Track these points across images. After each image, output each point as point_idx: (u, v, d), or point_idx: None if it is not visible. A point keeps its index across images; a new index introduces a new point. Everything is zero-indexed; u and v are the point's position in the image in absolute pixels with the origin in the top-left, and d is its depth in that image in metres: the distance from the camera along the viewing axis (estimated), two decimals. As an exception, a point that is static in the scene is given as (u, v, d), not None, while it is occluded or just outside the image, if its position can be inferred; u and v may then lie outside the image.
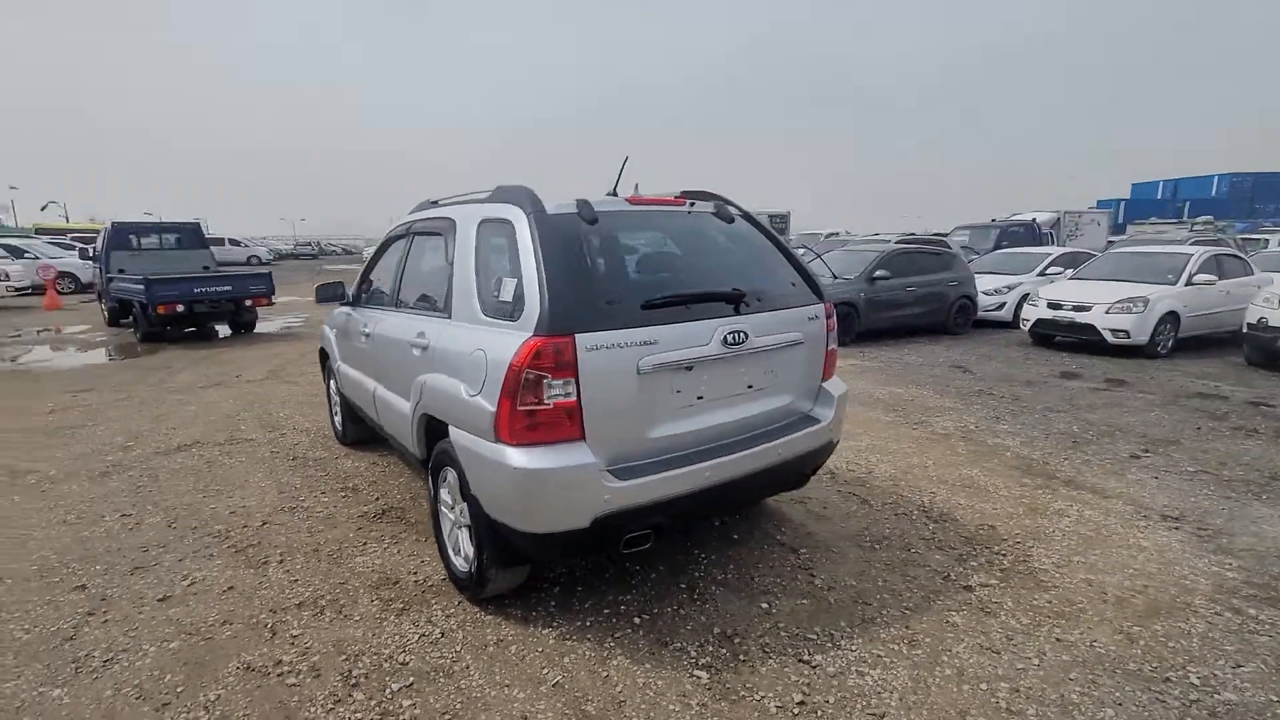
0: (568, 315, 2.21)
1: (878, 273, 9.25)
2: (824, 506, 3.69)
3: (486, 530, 2.42)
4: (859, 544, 3.23)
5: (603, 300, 2.34)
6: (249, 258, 31.57)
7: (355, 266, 29.21)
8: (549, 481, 2.17)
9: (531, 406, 2.17)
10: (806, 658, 2.35)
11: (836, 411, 3.00)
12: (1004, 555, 3.12)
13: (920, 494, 3.86)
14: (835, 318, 3.11)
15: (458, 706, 2.12)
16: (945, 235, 16.40)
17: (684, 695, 2.16)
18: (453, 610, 2.67)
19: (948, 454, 4.61)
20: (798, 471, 2.94)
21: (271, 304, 10.53)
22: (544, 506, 2.22)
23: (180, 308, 9.39)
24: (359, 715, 2.08)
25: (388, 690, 2.20)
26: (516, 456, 2.18)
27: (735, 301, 2.63)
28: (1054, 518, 3.54)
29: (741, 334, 2.58)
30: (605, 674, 2.28)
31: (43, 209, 46.20)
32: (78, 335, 10.88)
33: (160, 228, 11.39)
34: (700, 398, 2.55)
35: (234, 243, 32.20)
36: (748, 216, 3.11)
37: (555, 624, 2.57)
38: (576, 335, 2.20)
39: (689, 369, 2.47)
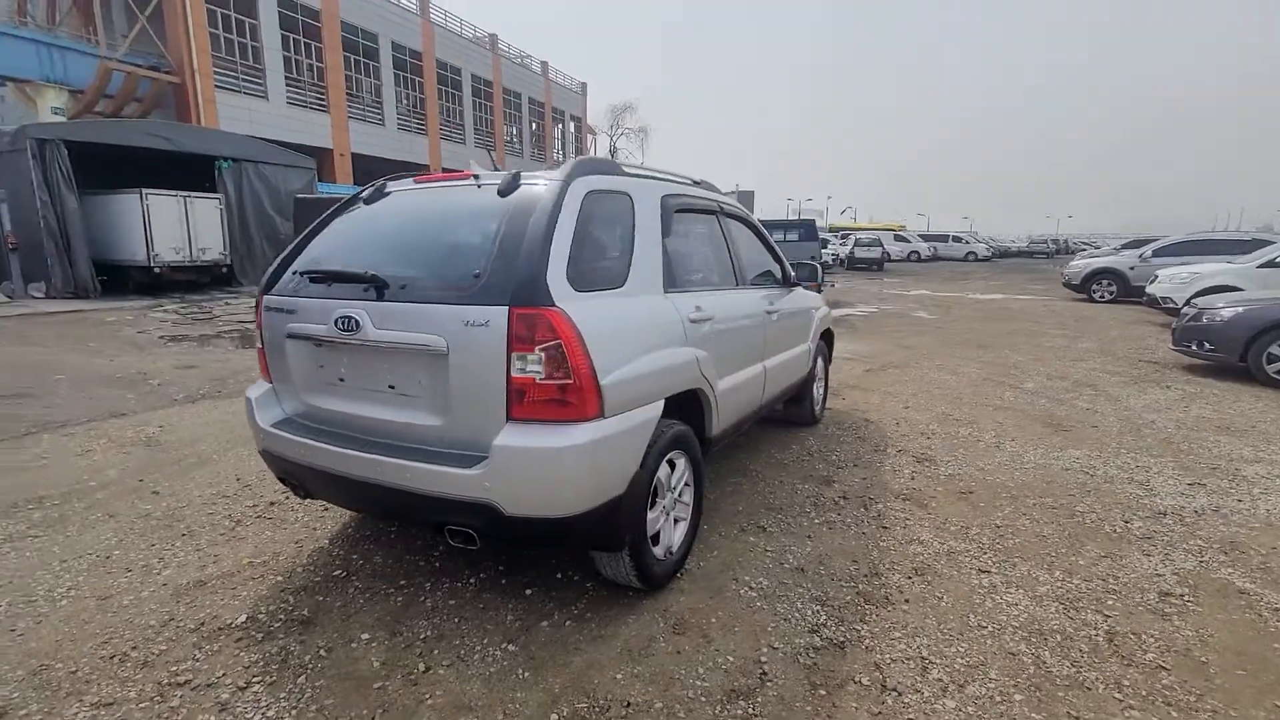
0: (268, 278, 2.68)
1: None
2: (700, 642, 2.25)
3: None
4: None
5: (293, 269, 2.63)
6: (966, 254, 32.62)
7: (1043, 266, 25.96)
8: (246, 409, 2.77)
9: (258, 348, 2.81)
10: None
11: (493, 466, 2.03)
12: None
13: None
14: (547, 339, 2.00)
15: (246, 537, 3.13)
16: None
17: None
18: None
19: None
20: (423, 515, 2.23)
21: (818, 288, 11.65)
22: (251, 429, 2.82)
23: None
24: (236, 512, 3.41)
25: (246, 513, 3.40)
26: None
27: (373, 284, 2.27)
28: None
29: (351, 320, 2.25)
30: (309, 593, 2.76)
31: (842, 213, 60.89)
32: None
33: (786, 224, 14.16)
34: (342, 380, 2.43)
35: (956, 239, 33.92)
36: (561, 191, 2.29)
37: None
38: (264, 295, 2.66)
39: (319, 345, 2.42)
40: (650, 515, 2.50)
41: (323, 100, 27.44)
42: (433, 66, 32.17)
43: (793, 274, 4.30)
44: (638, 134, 44.19)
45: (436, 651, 2.26)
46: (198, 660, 2.21)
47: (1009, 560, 2.92)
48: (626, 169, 2.77)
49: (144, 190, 13.72)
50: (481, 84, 35.65)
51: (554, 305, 2.05)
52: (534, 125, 40.94)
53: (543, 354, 2.03)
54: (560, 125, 44.22)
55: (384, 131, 30.17)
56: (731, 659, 2.24)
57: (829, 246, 24.89)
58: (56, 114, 21.16)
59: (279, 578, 2.75)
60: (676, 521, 2.76)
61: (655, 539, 2.59)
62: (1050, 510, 3.46)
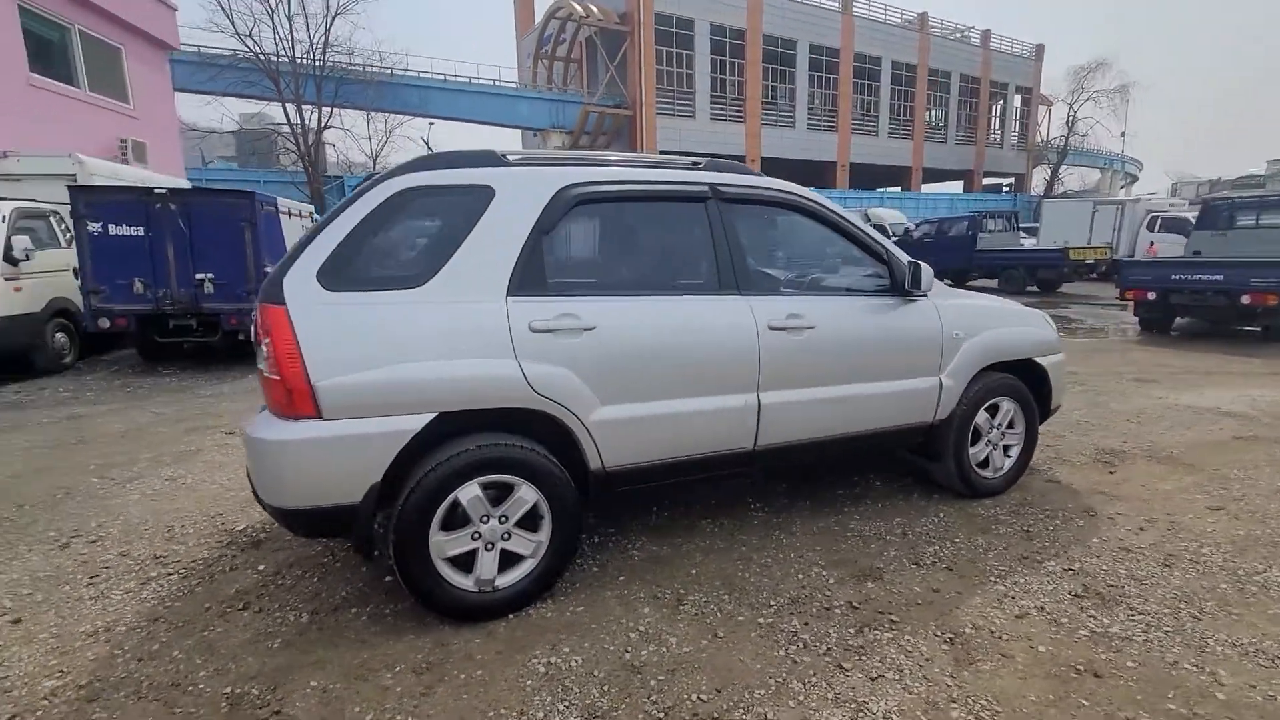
0: None
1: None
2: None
3: None
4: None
5: None
6: None
7: None
8: None
9: None
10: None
11: (246, 449, 2.21)
12: None
13: None
14: (264, 336, 2.05)
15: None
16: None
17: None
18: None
19: None
20: None
21: (1254, 302, 7.24)
22: None
23: (1152, 295, 8.24)
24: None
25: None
26: None
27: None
28: None
29: None
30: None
31: None
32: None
33: (1265, 203, 9.13)
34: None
35: None
36: (361, 190, 2.29)
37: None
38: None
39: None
40: (443, 537, 2.27)
41: (740, 111, 30.06)
42: (849, 61, 31.71)
43: (904, 277, 3.01)
44: (1111, 96, 34.62)
45: (268, 600, 2.57)
46: (191, 545, 3.04)
47: (973, 813, 1.58)
48: (514, 157, 2.50)
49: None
50: (903, 69, 33.40)
51: (280, 303, 2.09)
52: (966, 105, 36.24)
53: (264, 349, 2.11)
54: (1002, 100, 38.00)
55: (793, 133, 31.29)
56: (411, 724, 1.91)
57: None
58: (558, 149, 28.92)
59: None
60: (513, 557, 2.41)
61: (467, 565, 2.34)
62: (1239, 778, 1.66)
